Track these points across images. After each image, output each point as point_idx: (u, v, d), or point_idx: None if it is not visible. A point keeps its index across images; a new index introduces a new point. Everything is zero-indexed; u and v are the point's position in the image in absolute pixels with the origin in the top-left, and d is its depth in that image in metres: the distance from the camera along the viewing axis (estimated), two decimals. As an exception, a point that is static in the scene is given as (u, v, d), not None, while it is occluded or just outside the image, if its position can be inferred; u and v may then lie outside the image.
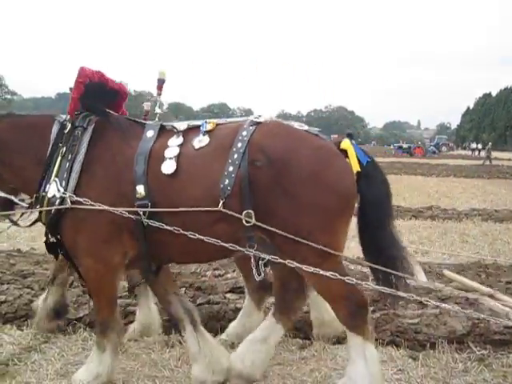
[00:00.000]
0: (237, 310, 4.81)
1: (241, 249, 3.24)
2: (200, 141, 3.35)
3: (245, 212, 3.16)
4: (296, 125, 3.46)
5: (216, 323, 4.79)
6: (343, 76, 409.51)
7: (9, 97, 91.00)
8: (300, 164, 3.18)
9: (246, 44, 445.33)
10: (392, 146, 63.36)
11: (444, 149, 68.27)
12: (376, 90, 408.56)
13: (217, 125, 3.44)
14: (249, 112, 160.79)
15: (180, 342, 4.46)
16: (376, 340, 4.46)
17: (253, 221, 3.16)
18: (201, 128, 3.43)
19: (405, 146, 57.56)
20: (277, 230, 3.14)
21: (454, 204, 13.92)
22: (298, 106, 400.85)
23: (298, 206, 3.16)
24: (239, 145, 3.22)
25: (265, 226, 3.15)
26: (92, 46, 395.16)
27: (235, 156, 3.19)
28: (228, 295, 5.16)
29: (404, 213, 11.93)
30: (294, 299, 3.81)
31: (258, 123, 3.36)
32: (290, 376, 3.93)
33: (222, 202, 3.16)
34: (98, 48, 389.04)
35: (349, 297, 3.27)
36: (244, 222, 3.17)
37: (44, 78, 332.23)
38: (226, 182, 3.17)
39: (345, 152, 3.46)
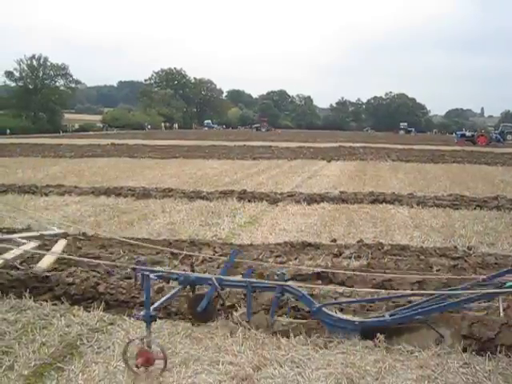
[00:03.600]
0: (299, 297, 4.78)
1: None
2: None
3: None
4: None
5: (278, 309, 4.79)
6: (404, 62, 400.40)
7: (73, 85, 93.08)
8: None
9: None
10: (454, 134, 61.41)
11: (509, 137, 65.64)
12: (438, 76, 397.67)
13: None
14: (308, 99, 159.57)
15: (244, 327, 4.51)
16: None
17: None
18: None
19: (468, 133, 55.66)
20: None
21: (521, 194, 13.43)
22: (358, 94, 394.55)
23: None
24: None
25: None
26: (151, 36, 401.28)
27: None
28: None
29: (468, 202, 11.62)
30: None
31: None
32: (354, 365, 3.88)
33: None
34: (156, 38, 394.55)
35: None
36: None
37: (106, 67, 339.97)
38: None
39: None
